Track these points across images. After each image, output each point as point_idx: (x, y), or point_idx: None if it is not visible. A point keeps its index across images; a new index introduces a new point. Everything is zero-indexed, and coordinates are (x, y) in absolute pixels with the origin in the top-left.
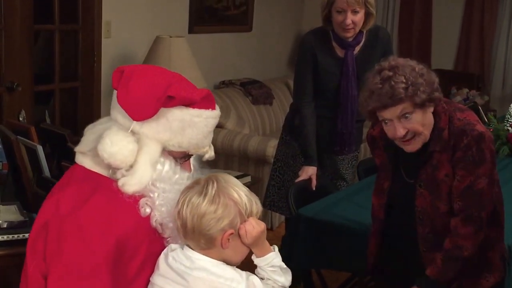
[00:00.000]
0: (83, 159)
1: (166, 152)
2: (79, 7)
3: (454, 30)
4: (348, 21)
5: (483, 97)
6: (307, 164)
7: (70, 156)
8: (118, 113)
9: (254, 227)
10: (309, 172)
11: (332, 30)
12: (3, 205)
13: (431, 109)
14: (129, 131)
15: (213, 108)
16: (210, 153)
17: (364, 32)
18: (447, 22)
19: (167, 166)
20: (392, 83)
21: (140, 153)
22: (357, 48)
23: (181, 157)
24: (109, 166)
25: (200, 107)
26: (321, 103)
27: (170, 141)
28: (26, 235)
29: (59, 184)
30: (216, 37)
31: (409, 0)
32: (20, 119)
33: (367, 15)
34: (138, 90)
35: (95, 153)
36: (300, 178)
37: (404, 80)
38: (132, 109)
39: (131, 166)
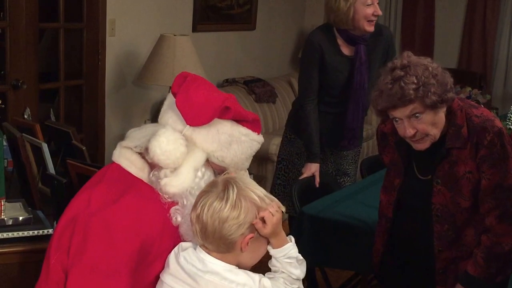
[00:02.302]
0: (120, 158)
1: (208, 163)
2: (83, 5)
3: (457, 29)
4: (379, 11)
5: (485, 96)
6: (310, 161)
7: (75, 153)
8: (170, 117)
9: (273, 214)
10: (312, 169)
11: (338, 28)
12: (8, 202)
13: (444, 109)
14: (182, 133)
15: (259, 133)
16: None
17: None
18: (450, 21)
19: (206, 176)
20: (402, 84)
21: (186, 157)
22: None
23: (219, 173)
24: (150, 167)
25: (248, 127)
26: (325, 100)
27: (215, 152)
28: (31, 232)
29: (92, 180)
30: (220, 36)
31: (411, 5)
32: (25, 116)
33: None
34: (197, 97)
35: (141, 150)
36: (304, 176)
37: (415, 81)
38: (189, 113)
39: (175, 169)
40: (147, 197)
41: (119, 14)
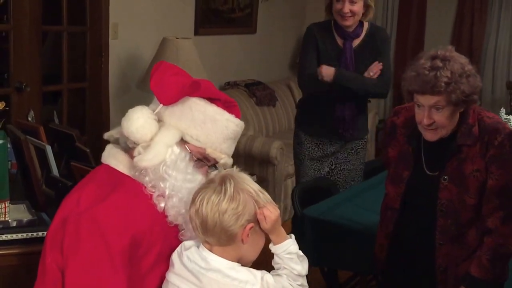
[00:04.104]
0: (109, 158)
1: (185, 145)
2: (87, 9)
3: (446, 35)
4: (346, 9)
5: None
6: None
7: (79, 156)
8: (152, 104)
9: (272, 212)
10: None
11: (335, 20)
12: (12, 204)
13: (462, 109)
14: (155, 112)
15: (236, 116)
16: (225, 160)
17: (365, 28)
18: (439, 29)
19: (182, 156)
20: (438, 74)
21: (159, 134)
22: (356, 41)
23: (198, 158)
24: (130, 159)
25: (222, 107)
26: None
27: (189, 130)
28: (35, 234)
29: (83, 181)
30: (221, 39)
31: (406, 8)
32: (29, 119)
33: (366, 7)
34: (170, 78)
35: (121, 140)
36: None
37: (449, 76)
38: (161, 93)
39: (148, 146)
40: (135, 193)
41: (122, 18)
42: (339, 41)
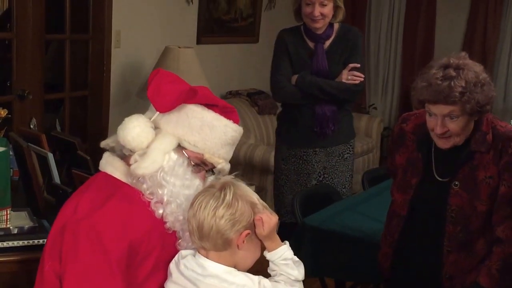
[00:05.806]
0: (106, 166)
1: (182, 151)
2: (89, 17)
3: (456, 44)
4: (316, 12)
5: None
6: None
7: (80, 164)
8: (149, 111)
9: (270, 218)
10: None
11: (303, 25)
12: (13, 211)
13: (476, 118)
14: (151, 120)
15: (235, 121)
16: (223, 165)
17: (335, 29)
18: (450, 35)
19: (180, 162)
20: (452, 84)
21: (155, 141)
22: (327, 43)
23: (196, 163)
24: (127, 165)
25: (219, 113)
26: None
27: (186, 136)
28: (36, 241)
29: (80, 189)
30: (223, 48)
31: (413, 18)
32: (31, 126)
33: (336, 8)
34: (166, 86)
35: (117, 148)
36: None
37: (464, 85)
38: (158, 100)
39: (144, 153)
40: (132, 199)
41: (125, 26)
42: (310, 44)
